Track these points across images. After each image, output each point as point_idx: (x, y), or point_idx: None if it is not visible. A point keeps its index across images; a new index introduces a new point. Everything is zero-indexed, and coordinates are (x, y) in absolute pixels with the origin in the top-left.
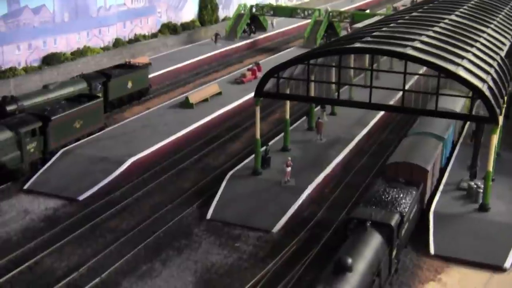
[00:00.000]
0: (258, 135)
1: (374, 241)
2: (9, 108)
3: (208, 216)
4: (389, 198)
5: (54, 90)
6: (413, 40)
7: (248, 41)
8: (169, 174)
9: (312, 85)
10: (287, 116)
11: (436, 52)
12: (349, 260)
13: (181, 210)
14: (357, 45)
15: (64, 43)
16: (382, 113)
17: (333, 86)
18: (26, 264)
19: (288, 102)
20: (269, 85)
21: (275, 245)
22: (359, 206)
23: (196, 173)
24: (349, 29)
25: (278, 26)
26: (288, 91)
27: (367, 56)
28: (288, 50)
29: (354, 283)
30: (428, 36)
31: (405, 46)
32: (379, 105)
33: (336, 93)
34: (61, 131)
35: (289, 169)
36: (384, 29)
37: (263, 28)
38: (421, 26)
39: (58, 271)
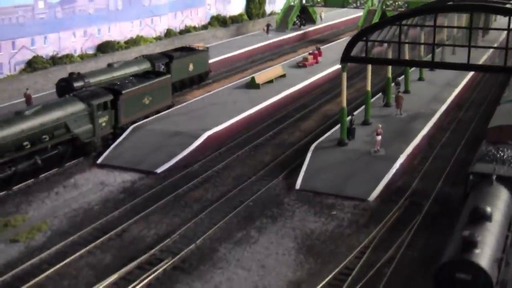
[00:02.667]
0: (344, 103)
1: (503, 195)
2: (76, 84)
3: (297, 186)
4: (505, 156)
5: (119, 68)
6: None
7: (299, 32)
8: (246, 149)
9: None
10: (369, 88)
11: None
12: (488, 209)
13: (267, 182)
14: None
15: (117, 31)
16: (458, 90)
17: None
18: (113, 231)
19: (370, 72)
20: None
21: (375, 213)
22: (475, 162)
23: (274, 148)
24: None
25: (326, 20)
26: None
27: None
28: (342, 39)
29: (496, 233)
30: None
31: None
32: (478, 66)
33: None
34: (131, 106)
35: (379, 137)
36: None
37: (312, 21)
38: None
39: (148, 238)
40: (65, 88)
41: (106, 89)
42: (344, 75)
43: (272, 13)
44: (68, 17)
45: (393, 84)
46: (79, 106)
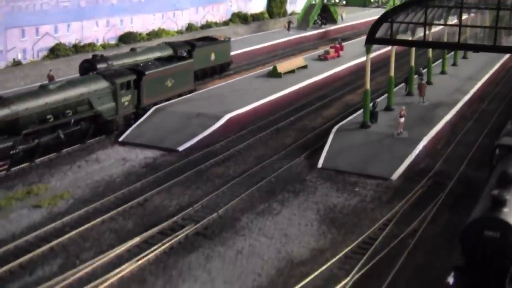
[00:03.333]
0: (368, 85)
1: None
2: (99, 66)
3: (319, 165)
4: None
5: (141, 53)
6: None
7: (320, 30)
8: (268, 132)
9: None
10: (392, 73)
11: None
12: None
13: (288, 161)
14: None
15: (140, 23)
16: (481, 82)
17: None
18: (136, 200)
19: (393, 56)
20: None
21: (398, 191)
22: (502, 136)
23: (296, 132)
24: None
25: (347, 20)
26: None
27: None
28: (363, 38)
29: None
30: None
31: None
32: (505, 47)
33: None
34: (153, 87)
35: (402, 119)
36: None
37: (333, 20)
38: None
39: (170, 208)
40: (88, 69)
41: (130, 69)
42: (368, 57)
43: (293, 13)
44: (91, 6)
45: (415, 76)
46: (102, 84)
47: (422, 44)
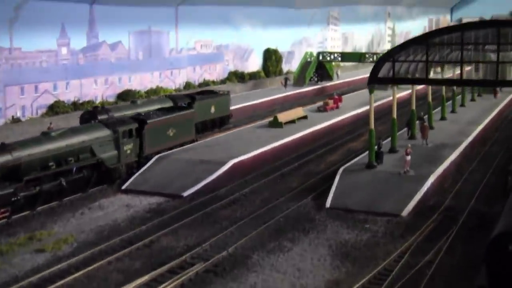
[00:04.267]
0: (372, 126)
1: None
2: (100, 117)
3: (327, 204)
4: None
5: (141, 105)
6: None
7: (316, 87)
8: (273, 177)
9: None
10: (394, 115)
11: None
12: None
13: (296, 202)
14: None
15: (138, 81)
16: (481, 127)
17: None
18: (142, 242)
19: (395, 97)
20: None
21: (409, 226)
22: None
23: (301, 176)
24: None
25: (342, 77)
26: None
27: None
28: (360, 91)
29: None
30: None
31: None
32: (508, 81)
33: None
34: (155, 136)
35: (409, 157)
36: None
37: (329, 77)
38: None
39: (178, 248)
40: (89, 120)
41: (132, 118)
42: (372, 97)
43: (288, 72)
44: (91, 64)
45: (417, 122)
46: (104, 132)
47: (424, 81)
